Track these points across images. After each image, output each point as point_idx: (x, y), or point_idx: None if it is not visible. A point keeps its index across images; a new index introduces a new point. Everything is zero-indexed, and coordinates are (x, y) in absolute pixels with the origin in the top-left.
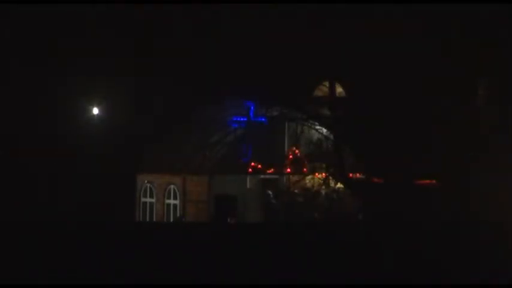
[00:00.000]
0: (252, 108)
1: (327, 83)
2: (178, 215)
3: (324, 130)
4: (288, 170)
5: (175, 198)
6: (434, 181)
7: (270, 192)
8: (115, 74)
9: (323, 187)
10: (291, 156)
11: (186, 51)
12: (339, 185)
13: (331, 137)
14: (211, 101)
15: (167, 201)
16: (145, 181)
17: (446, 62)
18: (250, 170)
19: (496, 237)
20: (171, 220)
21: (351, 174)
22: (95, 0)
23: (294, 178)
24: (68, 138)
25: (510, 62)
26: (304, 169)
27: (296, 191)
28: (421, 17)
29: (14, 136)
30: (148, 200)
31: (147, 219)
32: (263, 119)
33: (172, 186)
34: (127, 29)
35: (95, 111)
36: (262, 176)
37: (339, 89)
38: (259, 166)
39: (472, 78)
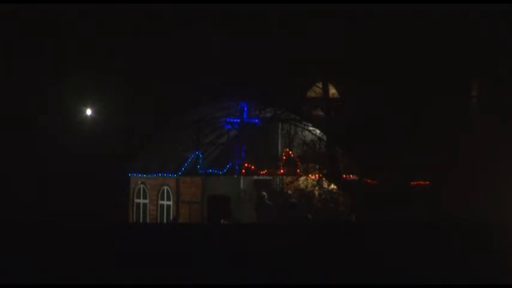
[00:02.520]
0: (245, 109)
1: (320, 84)
2: (171, 217)
3: (318, 131)
4: (281, 171)
5: (168, 199)
6: (427, 182)
7: (264, 193)
8: (109, 74)
9: (316, 188)
10: (284, 158)
11: (179, 51)
12: (333, 186)
13: (325, 138)
14: (204, 101)
15: (160, 202)
16: (139, 182)
17: (441, 64)
18: (243, 171)
19: (490, 237)
20: (165, 222)
21: (344, 175)
22: (91, 0)
23: (288, 179)
24: (61, 139)
25: (505, 63)
26: (298, 170)
27: (289, 191)
28: (416, 18)
29: (7, 136)
30: (141, 201)
31: (141, 221)
32: (256, 120)
33: (165, 187)
34: (121, 29)
35: (88, 112)
36: (255, 177)
37: (332, 90)
38: (253, 167)
39: (465, 80)
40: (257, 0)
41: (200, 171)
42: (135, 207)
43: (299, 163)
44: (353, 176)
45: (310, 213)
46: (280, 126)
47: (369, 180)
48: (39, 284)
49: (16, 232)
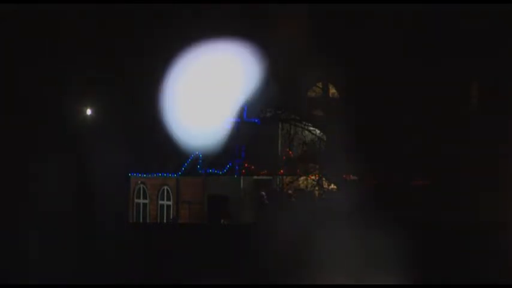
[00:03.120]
0: (245, 109)
1: (320, 84)
2: (171, 216)
3: (318, 131)
4: (281, 171)
5: (168, 199)
6: (427, 182)
7: (263, 193)
8: (109, 74)
9: (316, 188)
10: (284, 158)
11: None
12: (333, 186)
13: (325, 138)
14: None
15: (161, 202)
16: (139, 182)
17: (441, 64)
18: (243, 171)
19: (490, 237)
20: (165, 222)
21: (344, 176)
22: (91, 0)
23: (288, 179)
24: (61, 139)
25: (505, 63)
26: (298, 170)
27: (289, 191)
28: (416, 18)
29: (10, 136)
30: (141, 201)
31: (141, 221)
32: (256, 120)
33: (165, 187)
34: (121, 29)
35: (88, 112)
36: (255, 177)
37: (332, 90)
38: (253, 167)
39: (465, 80)
40: (257, 0)
41: (200, 171)
42: (135, 207)
43: (299, 163)
44: (353, 176)
45: (309, 213)
46: (280, 126)
47: (368, 180)
48: (37, 283)
49: (17, 231)
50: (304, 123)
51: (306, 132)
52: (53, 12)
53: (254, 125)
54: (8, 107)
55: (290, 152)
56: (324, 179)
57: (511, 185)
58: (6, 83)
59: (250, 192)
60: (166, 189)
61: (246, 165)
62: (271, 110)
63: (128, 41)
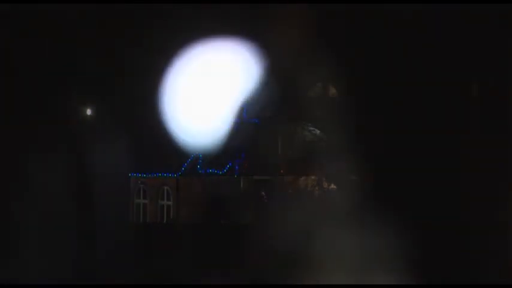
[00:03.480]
0: (245, 109)
1: (320, 84)
2: (171, 216)
3: (317, 131)
4: (281, 171)
5: (168, 199)
6: (427, 182)
7: (263, 193)
8: (109, 74)
9: (316, 188)
10: (284, 158)
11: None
12: (333, 186)
13: (325, 138)
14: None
15: (161, 202)
16: (139, 182)
17: (441, 64)
18: (243, 171)
19: (490, 237)
20: (165, 222)
21: (344, 176)
22: (91, 0)
23: (288, 179)
24: (61, 139)
25: (505, 63)
26: (298, 170)
27: (290, 191)
28: (416, 18)
29: (10, 136)
30: (141, 201)
31: (141, 221)
32: (256, 120)
33: (165, 187)
34: (120, 29)
35: (88, 112)
36: (255, 177)
37: (332, 90)
38: (253, 167)
39: (465, 80)
40: (257, 0)
41: (200, 171)
42: (135, 207)
43: (299, 163)
44: (353, 176)
45: (310, 212)
46: (280, 126)
47: (368, 180)
48: (38, 284)
49: (17, 232)
50: (304, 123)
51: (306, 132)
52: (53, 12)
53: (254, 125)
54: (8, 107)
55: (290, 152)
56: (324, 179)
57: (511, 185)
58: (6, 82)
59: (250, 192)
60: (166, 189)
61: (246, 165)
62: (271, 110)
63: (128, 41)
